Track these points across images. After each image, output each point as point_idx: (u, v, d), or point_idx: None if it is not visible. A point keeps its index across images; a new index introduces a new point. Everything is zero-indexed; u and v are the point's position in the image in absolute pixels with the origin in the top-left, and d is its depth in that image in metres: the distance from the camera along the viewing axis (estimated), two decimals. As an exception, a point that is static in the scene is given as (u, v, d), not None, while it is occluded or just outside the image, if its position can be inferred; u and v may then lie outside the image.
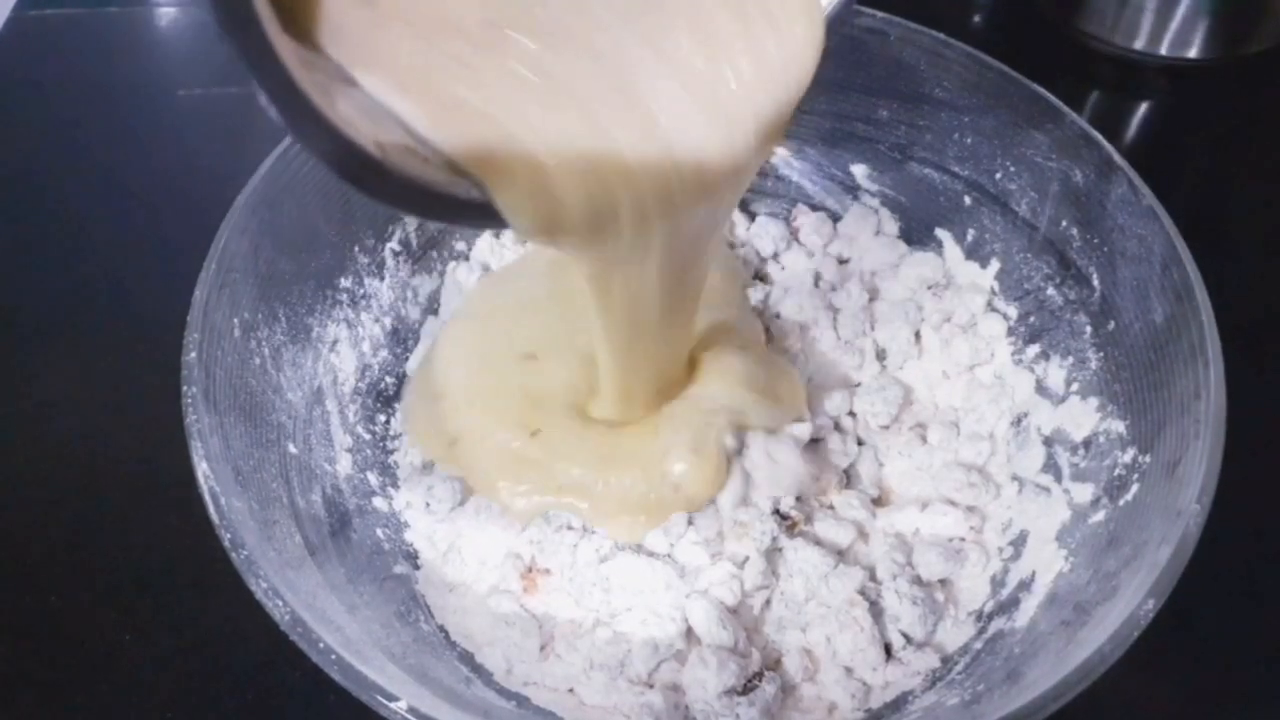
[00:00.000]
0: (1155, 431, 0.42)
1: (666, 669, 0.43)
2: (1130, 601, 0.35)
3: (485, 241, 0.58)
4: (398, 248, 0.55)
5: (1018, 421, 0.51)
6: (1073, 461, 0.47)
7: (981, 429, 0.51)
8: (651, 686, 0.42)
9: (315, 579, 0.40)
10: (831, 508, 0.48)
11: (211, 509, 0.36)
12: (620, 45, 0.32)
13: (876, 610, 0.44)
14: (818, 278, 0.57)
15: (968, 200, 0.55)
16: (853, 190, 0.59)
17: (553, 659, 0.44)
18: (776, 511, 0.47)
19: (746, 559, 0.45)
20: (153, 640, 0.45)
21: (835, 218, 0.60)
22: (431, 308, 0.56)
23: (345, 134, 0.28)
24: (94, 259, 0.61)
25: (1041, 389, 0.51)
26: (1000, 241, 0.54)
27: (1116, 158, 0.47)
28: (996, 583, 0.46)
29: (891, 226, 0.58)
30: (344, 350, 0.51)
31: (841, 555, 0.46)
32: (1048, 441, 0.49)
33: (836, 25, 0.36)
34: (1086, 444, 0.47)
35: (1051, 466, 0.48)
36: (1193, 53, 0.71)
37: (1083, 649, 0.34)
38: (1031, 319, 0.53)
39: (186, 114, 0.70)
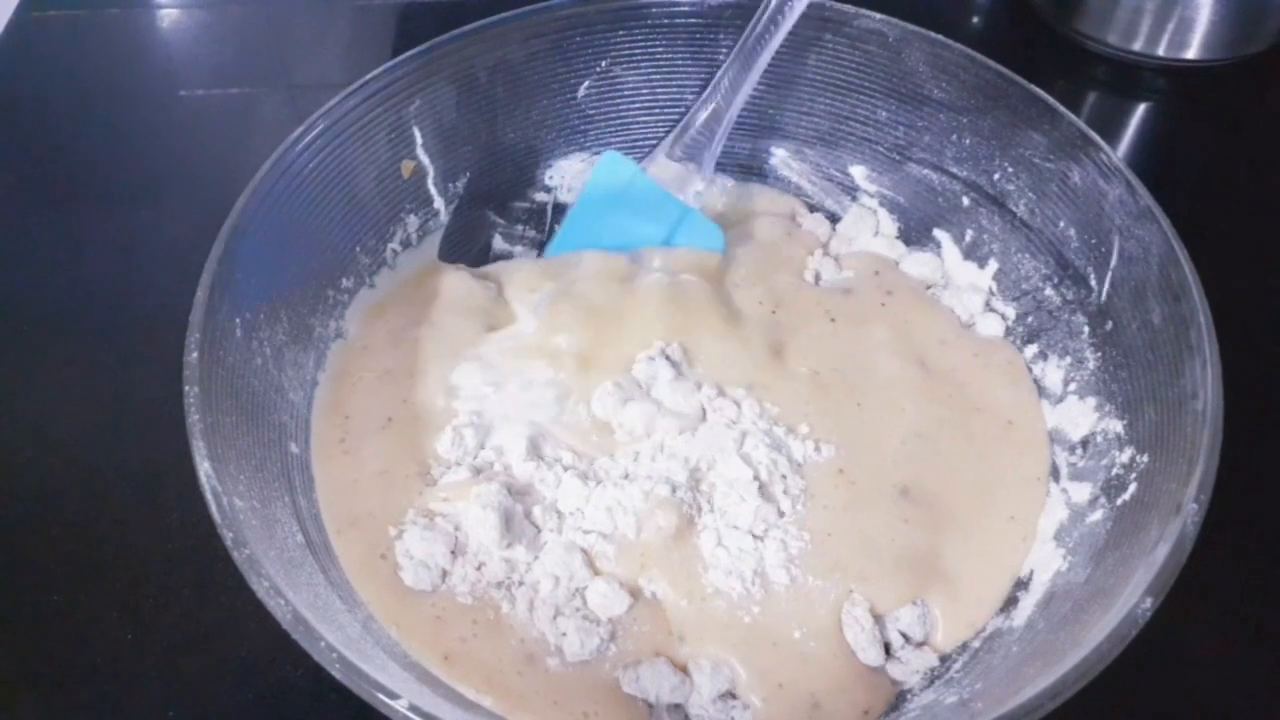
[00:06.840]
0: (1153, 431, 0.43)
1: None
2: (1128, 600, 0.35)
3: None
4: (399, 247, 0.55)
5: (1016, 421, 0.51)
6: (1071, 461, 0.48)
7: (980, 429, 0.51)
8: (651, 685, 0.42)
9: (317, 578, 0.40)
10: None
11: (213, 508, 0.36)
12: None
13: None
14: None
15: (966, 201, 0.55)
16: (852, 191, 0.59)
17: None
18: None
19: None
20: (153, 640, 0.45)
21: (834, 218, 0.60)
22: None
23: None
24: (95, 259, 0.61)
25: (1040, 388, 0.51)
26: (998, 242, 0.54)
27: (1114, 158, 0.47)
28: (995, 582, 0.46)
29: (890, 227, 0.58)
30: (344, 350, 0.51)
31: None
32: (1046, 441, 0.49)
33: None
34: (1084, 443, 0.47)
35: (1050, 466, 0.48)
36: (1190, 54, 0.71)
37: (1080, 647, 0.34)
38: (1029, 319, 0.53)
39: (186, 114, 0.70)
